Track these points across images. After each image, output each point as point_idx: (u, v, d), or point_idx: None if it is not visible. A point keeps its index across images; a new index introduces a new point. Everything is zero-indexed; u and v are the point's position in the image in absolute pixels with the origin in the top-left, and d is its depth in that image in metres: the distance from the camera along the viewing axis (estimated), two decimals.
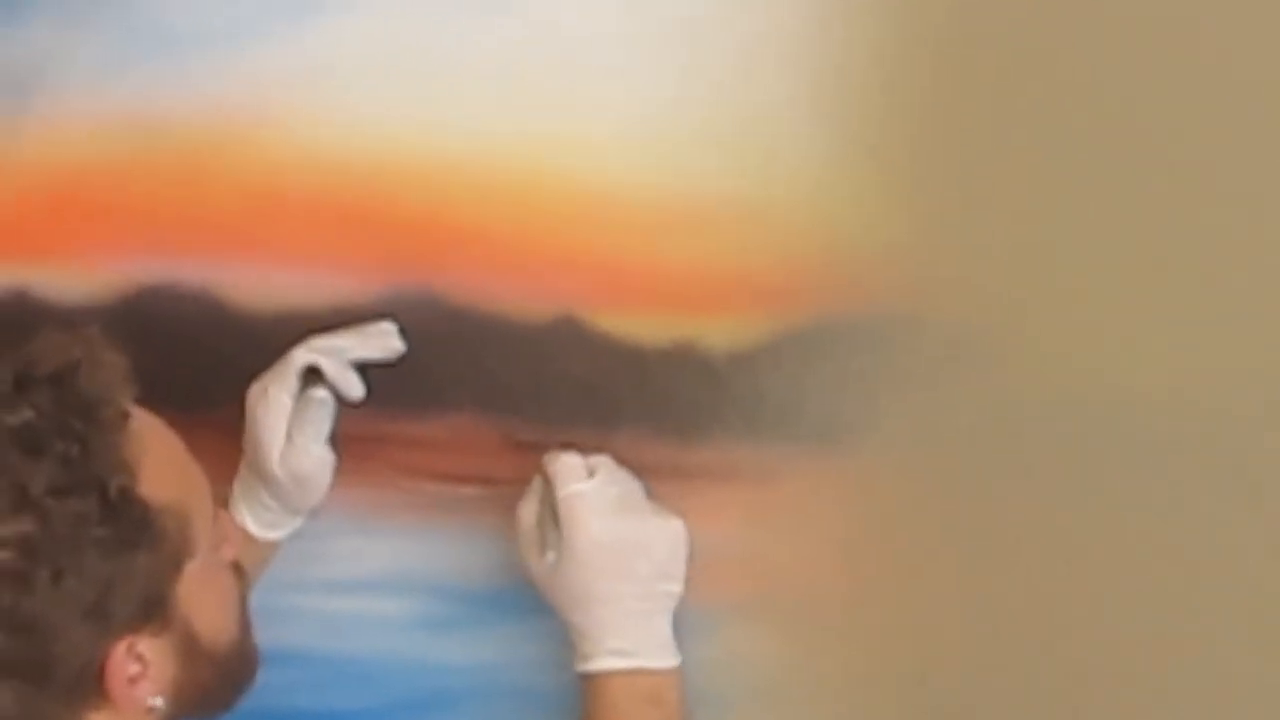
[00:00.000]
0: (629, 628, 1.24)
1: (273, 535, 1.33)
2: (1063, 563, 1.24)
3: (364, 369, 1.27)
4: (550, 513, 1.25)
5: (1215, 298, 1.20)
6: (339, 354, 1.28)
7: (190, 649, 1.16)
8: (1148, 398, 1.21)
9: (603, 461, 1.26)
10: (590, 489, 1.24)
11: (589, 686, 1.24)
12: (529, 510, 1.28)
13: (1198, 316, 1.20)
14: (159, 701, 1.13)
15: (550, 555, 1.25)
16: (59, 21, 1.40)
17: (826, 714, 1.30)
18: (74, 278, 1.41)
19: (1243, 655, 1.22)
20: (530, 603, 1.27)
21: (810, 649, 1.30)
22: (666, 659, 1.23)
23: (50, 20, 1.40)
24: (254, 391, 1.28)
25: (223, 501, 1.30)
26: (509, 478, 1.30)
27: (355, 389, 1.27)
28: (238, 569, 1.24)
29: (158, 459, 1.13)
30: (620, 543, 1.24)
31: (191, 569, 1.15)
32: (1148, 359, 1.21)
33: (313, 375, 1.26)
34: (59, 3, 1.39)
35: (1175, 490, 1.22)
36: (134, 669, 1.11)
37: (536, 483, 1.27)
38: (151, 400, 1.13)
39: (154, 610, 1.12)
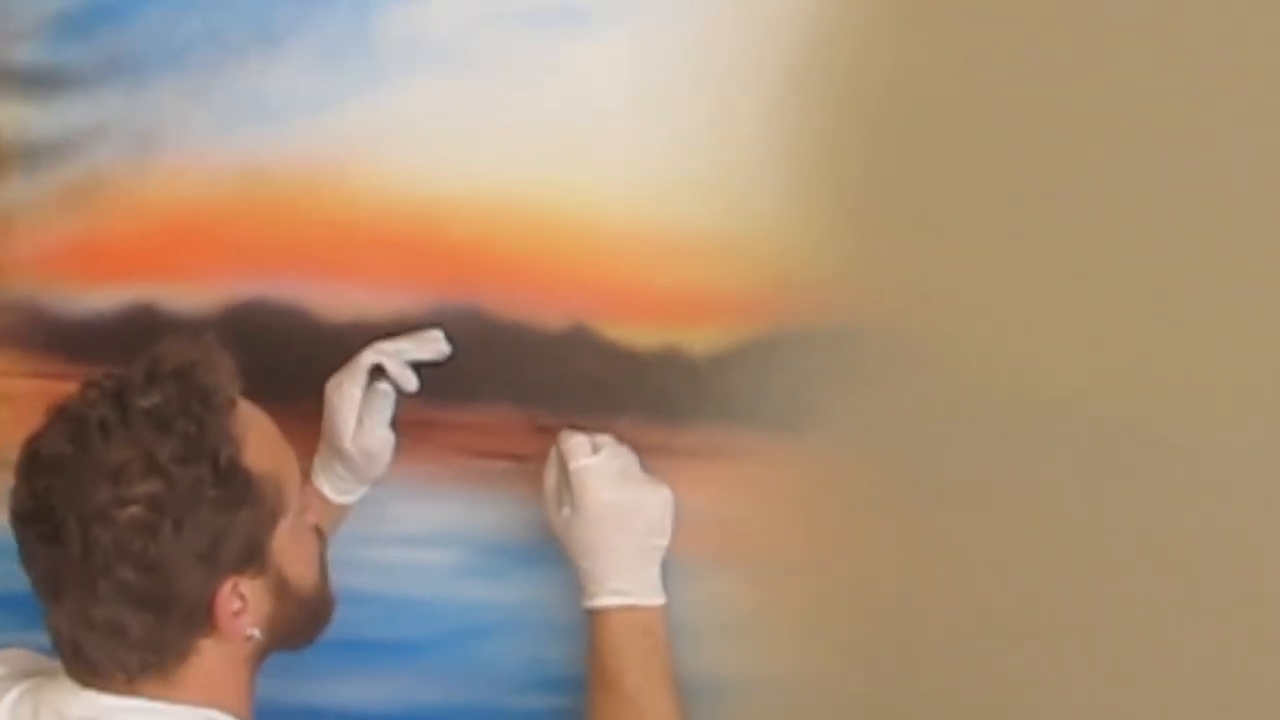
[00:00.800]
0: (626, 572, 1.33)
1: (345, 500, 1.43)
2: (976, 525, 1.35)
3: (418, 367, 1.38)
4: (565, 478, 1.34)
5: (1109, 313, 1.30)
6: (399, 355, 1.38)
7: (282, 591, 1.25)
8: (1048, 395, 1.32)
9: (606, 440, 1.35)
10: (596, 463, 1.33)
11: (594, 620, 1.34)
12: (550, 476, 1.36)
13: (1095, 329, 1.31)
14: (256, 632, 1.23)
15: (565, 510, 1.34)
16: (178, 89, 1.50)
17: (783, 647, 1.40)
18: (189, 295, 1.52)
19: (1124, 612, 1.32)
20: (549, 554, 1.39)
21: (771, 594, 1.40)
22: (655, 598, 1.34)
23: (171, 88, 1.50)
24: (331, 385, 1.39)
25: (305, 473, 1.37)
26: (533, 455, 1.41)
27: (411, 383, 1.37)
28: (319, 531, 1.32)
29: (258, 437, 1.24)
30: (620, 506, 1.33)
31: (283, 526, 1.24)
32: (1049, 363, 1.32)
33: (378, 372, 1.37)
34: (178, 73, 1.49)
35: (1065, 472, 1.32)
36: (237, 605, 1.21)
37: (554, 453, 1.35)
38: (252, 392, 1.25)
39: (253, 557, 1.22)
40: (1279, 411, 1.28)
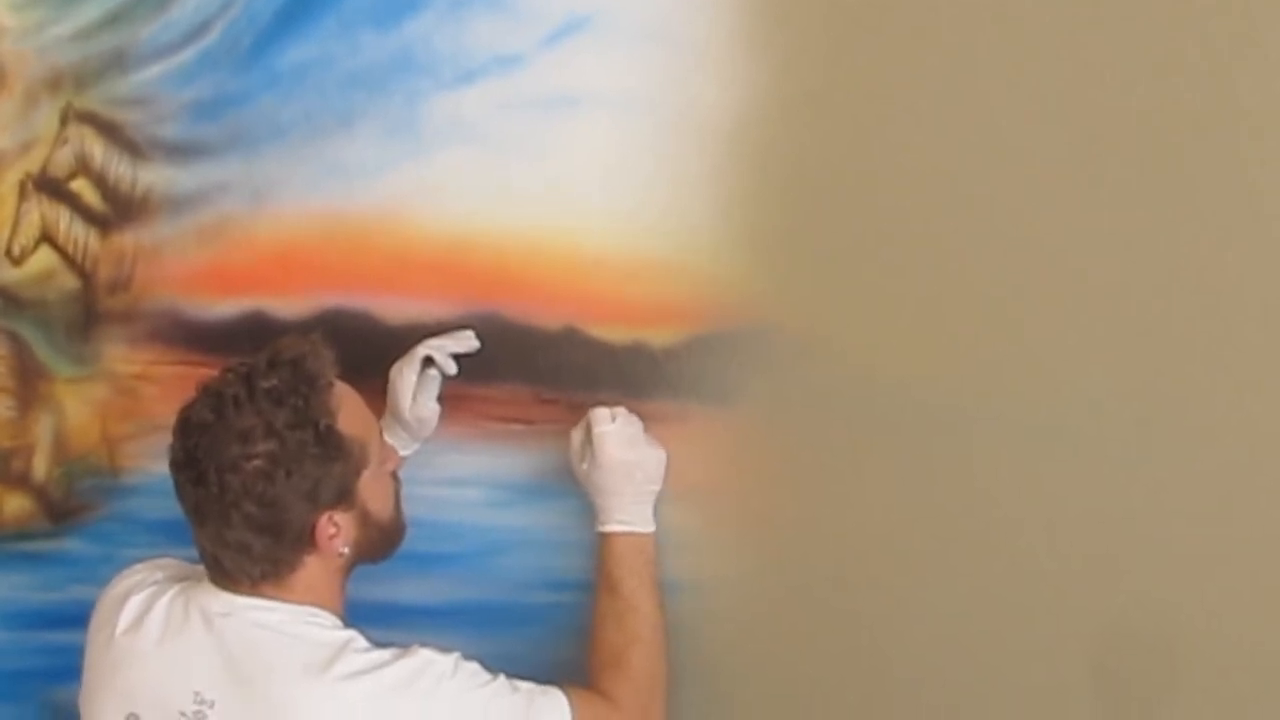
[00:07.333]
0: (629, 509, 1.50)
1: (404, 453, 1.58)
2: (847, 468, 1.51)
3: (456, 357, 1.55)
4: (588, 438, 1.50)
5: (946, 332, 1.45)
6: (442, 348, 1.54)
7: (365, 520, 1.41)
8: (894, 383, 1.47)
9: (621, 412, 1.51)
10: (612, 430, 1.49)
11: (603, 540, 1.51)
12: (577, 436, 1.51)
13: (935, 340, 1.46)
14: (346, 550, 1.39)
15: (586, 464, 1.50)
16: (281, 156, 1.69)
17: (717, 557, 1.57)
18: (289, 306, 1.69)
19: (995, 591, 1.44)
20: (550, 491, 1.57)
21: (707, 519, 1.57)
22: (648, 527, 1.51)
23: (276, 155, 1.69)
24: (394, 370, 1.55)
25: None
26: (539, 419, 1.59)
27: (451, 369, 1.54)
28: (395, 477, 1.48)
29: (348, 408, 1.40)
30: (627, 462, 1.49)
31: (367, 474, 1.40)
32: (897, 362, 1.47)
33: (427, 361, 1.54)
34: (281, 145, 1.68)
35: (905, 433, 1.47)
36: (332, 530, 1.36)
37: (583, 420, 1.50)
38: (342, 375, 1.42)
39: (344, 496, 1.38)
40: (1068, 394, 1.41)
